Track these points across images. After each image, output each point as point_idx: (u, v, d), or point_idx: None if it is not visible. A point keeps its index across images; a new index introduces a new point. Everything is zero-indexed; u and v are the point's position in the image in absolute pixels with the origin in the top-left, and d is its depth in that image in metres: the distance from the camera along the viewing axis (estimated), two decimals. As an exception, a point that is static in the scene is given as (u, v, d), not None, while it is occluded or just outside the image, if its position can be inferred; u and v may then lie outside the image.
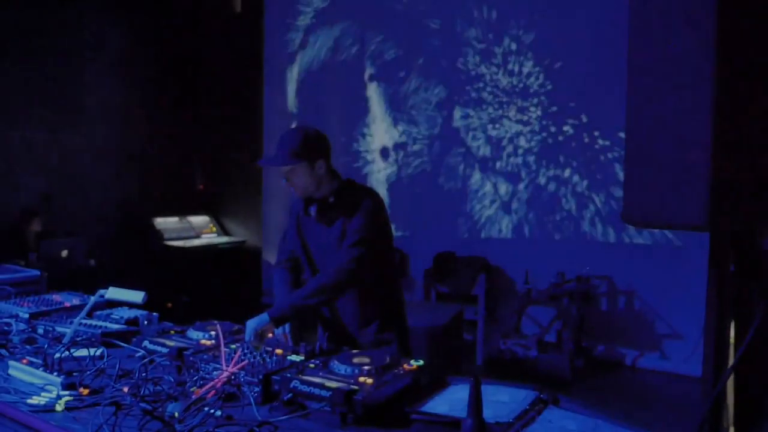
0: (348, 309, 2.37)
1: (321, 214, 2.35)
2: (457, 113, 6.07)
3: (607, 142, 5.30)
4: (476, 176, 5.98)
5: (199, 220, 7.18)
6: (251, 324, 2.12)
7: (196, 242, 6.77)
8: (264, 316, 2.13)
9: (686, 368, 4.78)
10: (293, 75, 7.08)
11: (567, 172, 5.52)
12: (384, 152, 6.45)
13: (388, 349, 2.28)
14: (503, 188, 5.84)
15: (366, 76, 6.57)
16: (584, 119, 5.41)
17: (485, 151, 5.92)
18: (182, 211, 7.05)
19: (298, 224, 2.44)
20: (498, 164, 5.86)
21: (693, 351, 4.74)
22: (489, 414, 1.50)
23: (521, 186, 5.75)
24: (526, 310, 5.33)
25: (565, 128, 5.51)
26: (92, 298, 2.20)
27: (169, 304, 5.87)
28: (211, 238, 7.05)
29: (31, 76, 5.79)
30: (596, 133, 5.37)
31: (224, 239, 7.17)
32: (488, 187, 5.92)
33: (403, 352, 2.33)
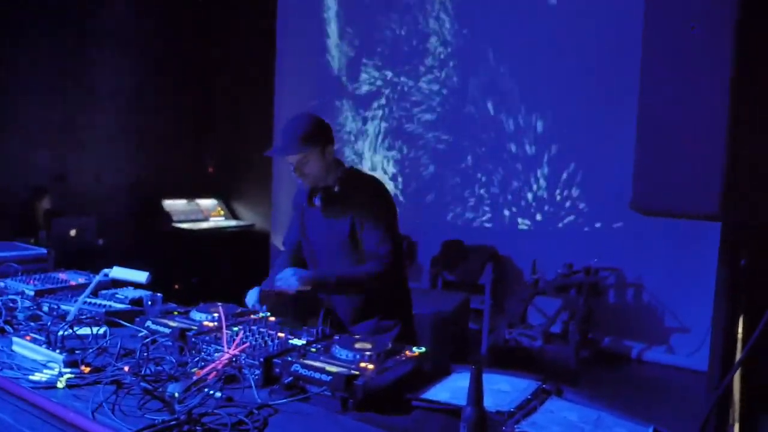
0: (352, 295, 2.36)
1: (326, 204, 2.30)
2: (468, 100, 6.00)
3: (618, 129, 5.23)
4: (486, 164, 5.93)
5: (207, 203, 7.20)
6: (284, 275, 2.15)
7: (204, 225, 6.78)
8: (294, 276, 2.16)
9: (693, 362, 4.74)
10: (305, 59, 7.03)
11: (576, 161, 5.45)
12: (394, 138, 6.41)
13: (391, 336, 2.28)
14: (513, 177, 5.79)
15: (376, 62, 6.52)
16: (592, 106, 5.35)
17: (495, 138, 5.87)
18: (191, 194, 7.07)
19: (302, 217, 2.42)
20: (508, 152, 5.81)
21: (700, 345, 4.70)
22: (490, 403, 1.49)
23: (531, 175, 5.70)
24: (533, 301, 5.31)
25: (575, 116, 5.45)
26: (96, 277, 2.20)
27: (177, 286, 5.90)
28: (219, 221, 7.07)
29: (46, 55, 5.78)
30: (606, 120, 5.30)
31: (232, 223, 7.18)
32: (498, 175, 5.87)
33: (406, 339, 2.32)
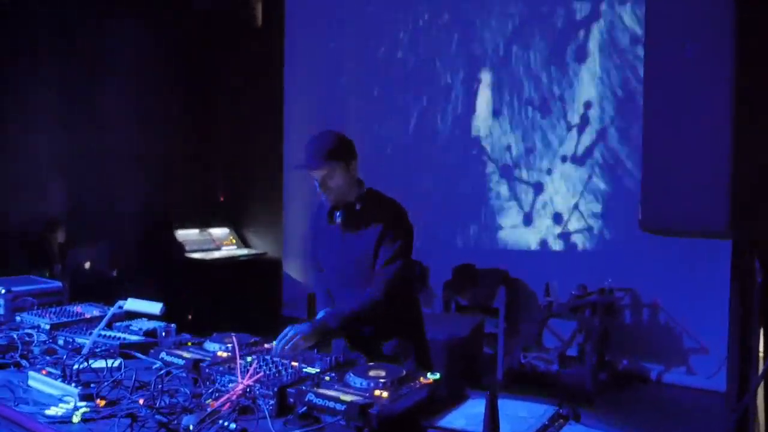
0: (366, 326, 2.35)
1: (346, 221, 2.33)
2: (478, 121, 6.04)
3: (629, 150, 5.23)
4: (497, 187, 5.93)
5: (219, 232, 7.24)
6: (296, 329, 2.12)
7: (216, 254, 6.81)
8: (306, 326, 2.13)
9: (713, 383, 4.65)
10: (313, 86, 7.12)
11: (588, 182, 5.45)
12: (404, 159, 6.44)
13: (405, 362, 2.26)
14: (524, 199, 5.79)
15: (386, 83, 6.59)
16: (605, 128, 5.36)
17: (506, 161, 5.88)
18: (203, 223, 7.12)
19: (319, 235, 2.45)
20: (519, 174, 5.81)
21: (720, 366, 4.61)
22: (506, 429, 1.47)
23: (542, 196, 5.69)
24: (548, 323, 5.25)
25: (586, 137, 5.46)
26: (111, 310, 2.22)
27: (190, 317, 5.90)
28: (231, 250, 7.10)
29: (57, 85, 5.88)
30: (618, 142, 5.31)
31: (244, 251, 7.21)
32: (509, 197, 5.87)
33: (421, 365, 2.30)
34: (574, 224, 5.52)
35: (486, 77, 5.97)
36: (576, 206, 5.51)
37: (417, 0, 6.34)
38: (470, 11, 6.01)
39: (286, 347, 2.04)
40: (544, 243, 5.68)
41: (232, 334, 2.20)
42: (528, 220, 5.76)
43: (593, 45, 5.38)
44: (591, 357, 4.75)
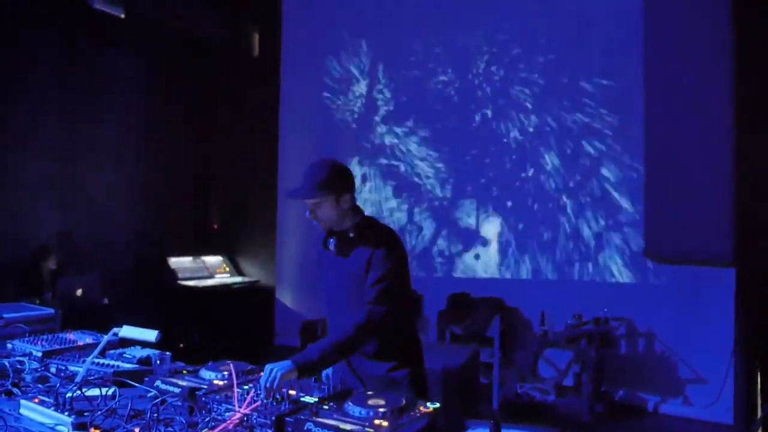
0: (364, 350, 2.33)
1: (340, 248, 2.34)
2: (472, 154, 6.09)
3: (624, 179, 5.28)
4: (492, 216, 5.95)
5: (212, 260, 7.20)
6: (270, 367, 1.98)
7: (209, 282, 6.76)
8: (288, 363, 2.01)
9: (711, 414, 4.61)
10: (309, 115, 7.18)
11: (583, 211, 5.48)
12: (398, 191, 6.47)
13: (404, 391, 2.23)
14: (519, 229, 5.81)
15: (380, 116, 6.66)
16: (599, 158, 5.42)
17: (500, 191, 5.92)
18: (196, 251, 7.08)
19: (320, 261, 2.46)
20: (513, 204, 5.84)
21: (718, 396, 4.58)
22: (509, 459, 1.45)
23: (537, 226, 5.71)
24: (543, 353, 5.21)
25: (582, 166, 5.51)
26: (105, 337, 2.19)
27: (182, 345, 5.82)
28: (224, 277, 7.05)
29: (50, 112, 5.89)
30: (613, 171, 5.36)
31: (237, 279, 7.17)
32: (503, 227, 5.89)
33: (418, 394, 2.27)
34: (569, 254, 5.53)
35: (479, 110, 6.05)
36: (570, 236, 5.53)
37: (409, 33, 6.45)
38: (467, 45, 6.12)
39: (267, 385, 1.93)
40: (539, 272, 5.68)
41: (229, 362, 2.17)
42: (522, 249, 5.77)
43: (588, 76, 5.46)
44: (587, 386, 4.71)
